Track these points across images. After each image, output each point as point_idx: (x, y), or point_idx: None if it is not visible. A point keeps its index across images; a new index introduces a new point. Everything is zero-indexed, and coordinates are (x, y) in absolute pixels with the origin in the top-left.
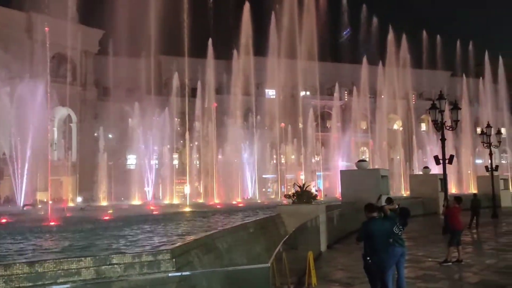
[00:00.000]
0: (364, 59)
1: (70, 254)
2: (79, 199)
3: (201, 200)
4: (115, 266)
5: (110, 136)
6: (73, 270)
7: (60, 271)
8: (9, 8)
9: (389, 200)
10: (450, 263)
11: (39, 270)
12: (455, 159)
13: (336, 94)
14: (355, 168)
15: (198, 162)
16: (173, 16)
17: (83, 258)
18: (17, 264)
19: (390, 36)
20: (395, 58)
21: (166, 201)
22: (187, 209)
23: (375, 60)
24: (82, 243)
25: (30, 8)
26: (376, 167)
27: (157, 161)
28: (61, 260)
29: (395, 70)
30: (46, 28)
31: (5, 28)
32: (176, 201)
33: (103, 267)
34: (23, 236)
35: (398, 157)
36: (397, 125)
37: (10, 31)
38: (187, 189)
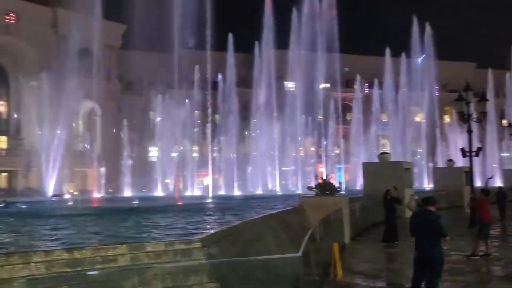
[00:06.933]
0: (387, 50)
1: (107, 241)
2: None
3: (222, 192)
4: (149, 253)
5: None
6: (110, 257)
7: (97, 258)
8: (35, 3)
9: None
10: (478, 257)
11: (77, 256)
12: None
13: (356, 86)
14: (376, 160)
15: (218, 155)
16: (194, 9)
17: (119, 246)
18: (57, 251)
19: (414, 27)
20: (419, 49)
21: (188, 193)
22: (210, 200)
23: (397, 51)
24: (117, 229)
25: (55, 3)
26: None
27: (178, 153)
28: (98, 247)
29: (417, 60)
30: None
31: (31, 24)
32: (197, 193)
33: (138, 254)
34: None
35: (420, 150)
36: (419, 118)
37: (36, 27)
38: (208, 181)
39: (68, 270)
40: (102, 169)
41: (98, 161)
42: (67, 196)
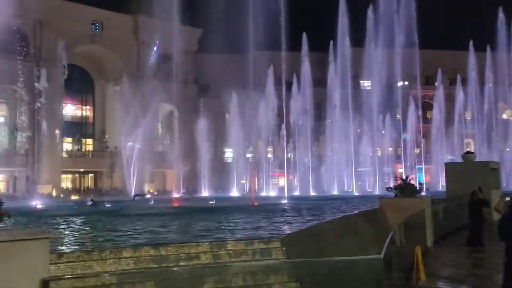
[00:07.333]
0: (471, 44)
1: (190, 239)
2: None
3: (297, 193)
4: (230, 252)
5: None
6: (193, 254)
7: (181, 255)
8: (118, 12)
9: None
10: None
11: (163, 253)
12: None
13: (437, 83)
14: (460, 160)
15: (293, 155)
16: (268, 10)
17: (201, 243)
18: (144, 247)
19: (499, 19)
20: (505, 41)
21: (263, 194)
22: (286, 201)
23: (481, 45)
24: (198, 228)
25: (136, 11)
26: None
27: (253, 154)
28: (182, 244)
29: (504, 54)
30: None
31: (114, 32)
32: (272, 193)
33: (219, 252)
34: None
35: (508, 149)
36: (506, 115)
37: (119, 34)
38: (283, 182)
39: (154, 265)
40: (180, 170)
41: (176, 162)
42: (148, 196)
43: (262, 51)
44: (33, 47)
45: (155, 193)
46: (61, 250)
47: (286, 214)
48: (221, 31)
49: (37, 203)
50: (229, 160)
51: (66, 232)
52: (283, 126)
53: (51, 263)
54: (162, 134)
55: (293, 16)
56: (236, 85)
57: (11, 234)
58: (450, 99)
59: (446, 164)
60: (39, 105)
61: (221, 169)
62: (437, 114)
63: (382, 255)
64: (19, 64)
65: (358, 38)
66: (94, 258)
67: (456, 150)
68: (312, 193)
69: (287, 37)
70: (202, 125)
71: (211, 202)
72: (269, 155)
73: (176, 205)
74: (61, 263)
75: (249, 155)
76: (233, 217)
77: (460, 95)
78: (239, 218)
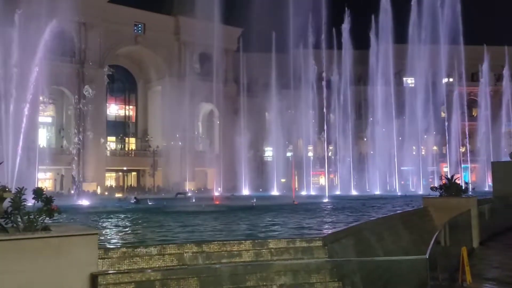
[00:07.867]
0: None
1: (232, 237)
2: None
3: (338, 192)
4: (272, 250)
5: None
6: (235, 252)
7: (224, 252)
8: (159, 13)
9: None
10: None
11: (206, 250)
12: None
13: (483, 80)
14: (507, 159)
15: (334, 154)
16: (307, 8)
17: (243, 242)
18: (188, 244)
19: None
20: None
21: (303, 193)
22: (327, 200)
23: None
24: (240, 226)
25: (177, 12)
26: None
27: (293, 153)
28: (225, 242)
29: None
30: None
31: (155, 32)
32: (313, 192)
33: (261, 250)
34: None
35: None
36: None
37: (160, 35)
38: (323, 181)
39: (197, 262)
40: (220, 169)
41: (217, 161)
42: (189, 194)
43: (302, 50)
44: (78, 49)
45: (196, 191)
46: (108, 246)
47: (327, 213)
48: (260, 30)
49: (83, 201)
50: (269, 159)
51: (112, 229)
52: (324, 124)
53: (99, 258)
54: (203, 133)
55: (332, 13)
56: (276, 84)
57: (62, 230)
58: (496, 96)
59: (493, 163)
60: (84, 105)
61: (261, 168)
62: (483, 111)
63: (427, 256)
64: (66, 66)
65: (399, 34)
66: (139, 254)
67: (504, 149)
68: (354, 193)
69: (328, 35)
70: (242, 124)
71: (252, 201)
72: (309, 154)
73: (217, 203)
74: (108, 258)
75: (289, 154)
76: (274, 215)
77: (507, 92)
78: (280, 216)
